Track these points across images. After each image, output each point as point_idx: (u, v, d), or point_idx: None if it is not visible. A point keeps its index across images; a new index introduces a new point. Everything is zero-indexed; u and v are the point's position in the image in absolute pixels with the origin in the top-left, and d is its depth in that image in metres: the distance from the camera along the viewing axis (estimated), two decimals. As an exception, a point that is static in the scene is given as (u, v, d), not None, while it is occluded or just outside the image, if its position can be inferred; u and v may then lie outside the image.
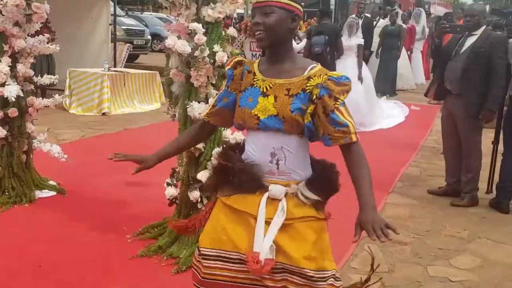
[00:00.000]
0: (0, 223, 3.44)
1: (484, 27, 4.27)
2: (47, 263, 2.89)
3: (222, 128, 3.05)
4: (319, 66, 1.74)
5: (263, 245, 1.65)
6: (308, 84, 1.69)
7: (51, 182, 4.13)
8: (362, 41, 7.44)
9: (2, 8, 3.57)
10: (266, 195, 1.71)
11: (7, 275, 2.74)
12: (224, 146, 1.94)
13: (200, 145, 2.99)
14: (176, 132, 3.11)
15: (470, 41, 4.25)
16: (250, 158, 1.75)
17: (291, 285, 1.71)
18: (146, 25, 15.71)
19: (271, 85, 1.72)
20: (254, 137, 1.75)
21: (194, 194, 2.99)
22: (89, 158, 5.10)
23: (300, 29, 11.41)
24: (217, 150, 2.86)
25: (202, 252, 1.76)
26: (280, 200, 1.71)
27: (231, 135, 3.07)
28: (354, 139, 1.69)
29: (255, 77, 1.76)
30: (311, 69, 1.72)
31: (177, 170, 3.20)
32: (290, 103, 1.67)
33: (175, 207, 3.19)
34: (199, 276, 1.78)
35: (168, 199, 3.18)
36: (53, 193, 4.02)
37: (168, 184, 3.18)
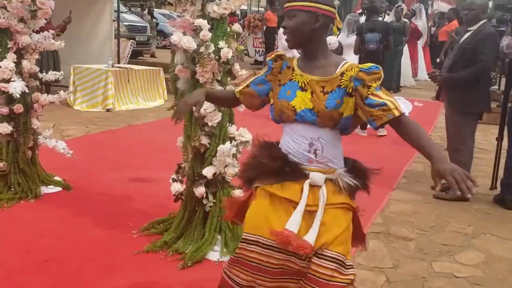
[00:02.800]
0: (6, 218, 3.45)
1: (482, 22, 4.21)
2: (53, 259, 2.90)
3: (228, 125, 3.06)
4: (349, 62, 1.87)
5: (309, 236, 1.74)
6: (342, 80, 1.81)
7: (57, 178, 4.14)
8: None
9: (7, 4, 3.57)
10: (307, 181, 1.81)
11: (13, 270, 2.76)
12: (262, 140, 1.99)
13: (205, 141, 3.00)
14: (180, 128, 3.12)
15: (465, 36, 4.28)
16: (288, 148, 1.86)
17: (320, 269, 1.76)
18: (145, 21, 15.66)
19: (308, 81, 1.84)
20: (292, 129, 1.86)
21: (200, 190, 3.00)
22: (94, 154, 5.12)
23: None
24: (227, 146, 2.87)
25: (244, 237, 1.86)
26: (320, 187, 1.81)
27: (237, 131, 3.08)
28: (397, 113, 1.77)
29: (294, 72, 1.89)
30: (343, 65, 1.84)
31: (182, 166, 3.21)
32: (325, 100, 1.80)
33: (181, 202, 3.21)
34: (240, 258, 1.86)
35: (174, 194, 3.19)
36: (58, 188, 4.04)
37: (174, 180, 3.19)
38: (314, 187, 1.81)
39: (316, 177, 1.81)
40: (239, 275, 1.87)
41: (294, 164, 1.83)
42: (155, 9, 17.78)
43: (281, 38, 7.62)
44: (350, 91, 1.80)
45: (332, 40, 6.57)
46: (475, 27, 4.20)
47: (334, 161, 1.85)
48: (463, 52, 4.21)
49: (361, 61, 6.60)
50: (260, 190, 1.88)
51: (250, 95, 2.02)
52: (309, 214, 1.79)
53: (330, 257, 1.76)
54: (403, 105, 8.75)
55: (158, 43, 15.55)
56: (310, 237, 1.74)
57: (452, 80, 4.26)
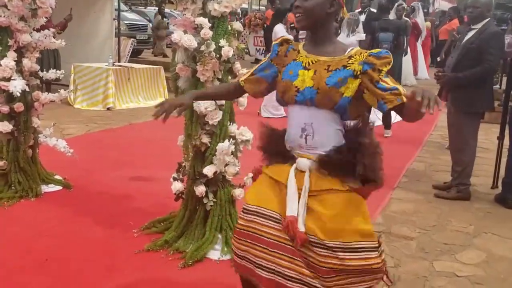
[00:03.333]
0: (7, 217, 3.45)
1: (486, 20, 4.15)
2: (53, 258, 2.90)
3: (229, 123, 3.05)
4: (357, 48, 1.92)
5: (300, 219, 1.79)
6: (349, 62, 1.84)
7: (57, 177, 4.14)
8: (363, 37, 7.29)
9: (8, 3, 3.56)
10: (294, 166, 1.87)
11: (13, 269, 2.75)
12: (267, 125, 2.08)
13: (206, 140, 2.99)
14: (181, 127, 3.11)
15: (468, 35, 4.23)
16: (287, 133, 1.93)
17: (312, 253, 1.79)
18: (149, 20, 15.66)
19: (314, 61, 1.88)
20: (291, 113, 1.91)
21: (200, 189, 3.00)
22: (95, 152, 5.12)
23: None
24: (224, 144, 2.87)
25: (244, 207, 1.95)
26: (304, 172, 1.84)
27: (237, 130, 3.07)
28: (405, 99, 1.79)
29: (299, 54, 1.93)
30: (351, 50, 1.89)
31: (183, 164, 3.20)
32: (327, 77, 1.82)
33: (181, 201, 3.20)
34: (237, 228, 1.96)
35: (175, 193, 3.18)
36: (59, 187, 4.03)
37: (175, 179, 3.18)
38: (301, 172, 1.85)
39: (301, 163, 1.86)
40: (235, 244, 1.95)
41: (285, 148, 1.92)
42: (155, 8, 17.74)
43: (277, 34, 7.59)
44: (358, 73, 1.82)
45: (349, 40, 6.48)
46: (479, 26, 4.14)
47: (325, 148, 1.84)
48: (467, 51, 4.14)
49: None
50: (264, 169, 2.00)
51: (256, 82, 2.05)
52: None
53: (319, 244, 1.77)
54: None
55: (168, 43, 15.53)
56: (300, 225, 1.78)
57: (457, 80, 4.17)
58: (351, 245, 1.77)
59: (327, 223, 1.77)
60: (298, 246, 1.78)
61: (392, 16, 11.07)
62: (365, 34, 7.48)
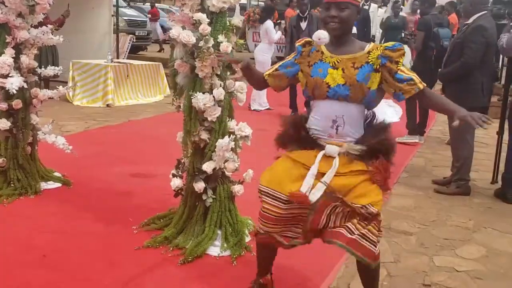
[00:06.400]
0: (6, 214, 3.45)
1: (478, 15, 4.15)
2: (53, 254, 2.90)
3: (228, 119, 3.04)
4: (372, 43, 2.19)
5: (318, 185, 2.09)
6: (369, 57, 2.13)
7: (56, 174, 4.13)
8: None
9: (5, -1, 3.55)
10: (322, 152, 2.14)
11: (13, 265, 2.75)
12: (293, 115, 2.36)
13: (205, 136, 2.99)
14: (180, 123, 3.10)
15: (462, 31, 4.28)
16: (314, 123, 2.19)
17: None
18: (145, 16, 15.61)
19: (339, 60, 2.14)
20: (320, 106, 2.18)
21: (199, 185, 2.99)
22: (94, 149, 5.11)
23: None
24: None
25: (259, 188, 2.23)
26: (334, 158, 2.12)
27: (236, 126, 3.06)
28: (421, 86, 2.12)
29: (324, 54, 2.19)
30: (368, 46, 2.17)
31: (182, 161, 3.19)
32: (356, 73, 2.10)
33: (181, 198, 3.20)
34: (261, 210, 2.23)
35: (174, 190, 3.18)
36: (58, 184, 4.03)
37: (174, 175, 3.18)
38: (329, 157, 2.12)
39: (331, 149, 2.13)
40: (264, 228, 2.23)
41: (315, 136, 2.18)
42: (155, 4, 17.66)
43: (269, 30, 7.77)
44: (378, 67, 2.11)
45: (322, 35, 6.15)
46: (470, 21, 4.17)
47: (353, 137, 2.14)
48: (454, 47, 4.24)
49: (431, 59, 5.89)
50: (283, 154, 2.26)
51: (278, 77, 2.33)
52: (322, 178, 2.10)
53: (345, 203, 2.09)
54: (391, 109, 8.37)
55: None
56: (313, 196, 2.08)
57: (443, 75, 4.29)
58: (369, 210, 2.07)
59: (352, 190, 2.08)
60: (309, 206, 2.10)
61: (388, 13, 10.88)
62: (355, 33, 7.35)
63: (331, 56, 2.16)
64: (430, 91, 2.19)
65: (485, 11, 4.24)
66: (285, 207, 2.16)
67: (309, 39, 2.28)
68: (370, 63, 2.10)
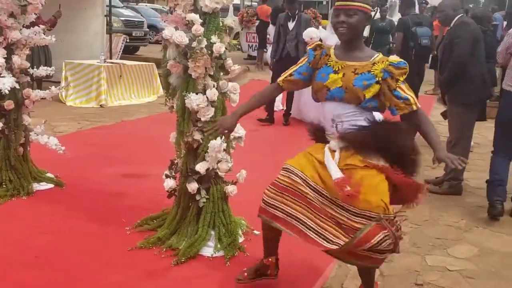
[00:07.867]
0: (-2, 216, 3.43)
1: (456, 18, 4.24)
2: (46, 255, 2.89)
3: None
4: (380, 55, 2.27)
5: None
6: (373, 68, 2.22)
7: (49, 175, 4.11)
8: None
9: (-3, -1, 3.53)
10: (327, 146, 2.33)
11: (6, 267, 2.74)
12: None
13: (198, 137, 2.98)
14: (173, 124, 3.10)
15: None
16: (323, 123, 2.40)
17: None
18: (142, 16, 15.54)
19: (343, 66, 2.26)
20: (323, 107, 2.35)
21: (192, 186, 2.99)
22: (87, 150, 5.09)
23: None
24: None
25: (284, 166, 2.35)
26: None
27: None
28: (415, 108, 2.23)
29: (330, 58, 2.32)
30: (376, 57, 2.26)
31: (175, 161, 3.19)
32: (354, 79, 2.21)
33: (174, 198, 3.19)
34: (275, 181, 2.33)
35: (167, 190, 3.17)
36: (51, 185, 4.01)
37: (167, 176, 3.17)
38: (333, 151, 2.28)
39: (332, 144, 2.30)
40: (268, 193, 2.31)
41: (322, 133, 2.38)
42: (147, 4, 17.62)
43: (270, 33, 7.60)
44: (379, 80, 2.20)
45: (313, 34, 5.96)
46: (451, 25, 4.28)
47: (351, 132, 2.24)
48: (444, 50, 4.31)
49: (411, 58, 5.83)
50: (308, 148, 2.44)
51: (293, 83, 2.45)
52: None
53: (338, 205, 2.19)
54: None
55: (150, 38, 15.40)
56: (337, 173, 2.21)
57: (444, 85, 4.38)
58: (363, 212, 2.14)
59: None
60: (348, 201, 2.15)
61: (377, 16, 10.77)
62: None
63: (336, 61, 2.28)
64: (424, 116, 2.28)
65: (462, 14, 4.35)
66: (299, 181, 2.26)
67: (319, 42, 2.39)
68: (372, 73, 2.20)
